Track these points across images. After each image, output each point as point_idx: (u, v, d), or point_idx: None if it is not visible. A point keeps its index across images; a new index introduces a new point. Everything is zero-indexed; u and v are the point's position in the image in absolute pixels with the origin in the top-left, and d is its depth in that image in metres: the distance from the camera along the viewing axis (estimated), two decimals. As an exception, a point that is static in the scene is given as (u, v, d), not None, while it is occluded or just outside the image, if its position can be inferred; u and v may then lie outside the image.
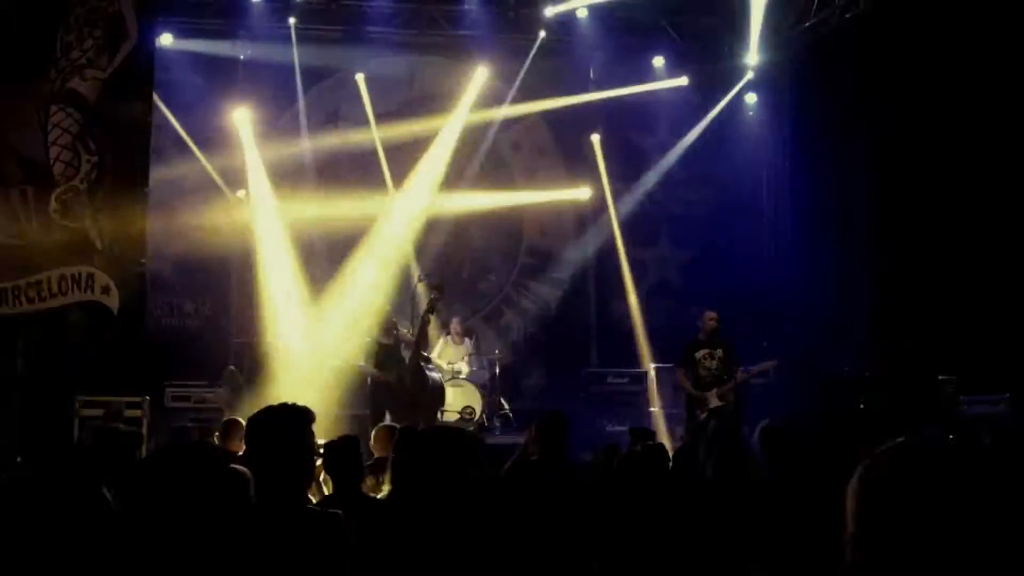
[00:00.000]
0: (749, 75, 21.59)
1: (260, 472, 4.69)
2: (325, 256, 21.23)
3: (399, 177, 21.71)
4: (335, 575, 4.36)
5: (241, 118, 20.53)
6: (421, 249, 21.75)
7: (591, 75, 21.89)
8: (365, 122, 21.48)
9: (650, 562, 5.79)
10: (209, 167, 20.48)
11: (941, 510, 2.06)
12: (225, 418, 16.31)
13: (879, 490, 2.11)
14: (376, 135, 21.36)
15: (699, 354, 16.08)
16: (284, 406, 5.00)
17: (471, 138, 21.86)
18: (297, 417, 4.92)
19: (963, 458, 2.15)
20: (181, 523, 4.13)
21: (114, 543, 3.19)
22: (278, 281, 20.56)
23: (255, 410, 4.97)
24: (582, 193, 22.10)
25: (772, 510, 6.70)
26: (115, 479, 5.15)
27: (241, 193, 20.81)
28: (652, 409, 19.34)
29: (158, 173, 16.43)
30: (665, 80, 21.85)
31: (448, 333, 20.21)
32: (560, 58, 21.46)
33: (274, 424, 4.85)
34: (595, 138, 21.98)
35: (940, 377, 17.34)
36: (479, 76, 21.51)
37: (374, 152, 21.53)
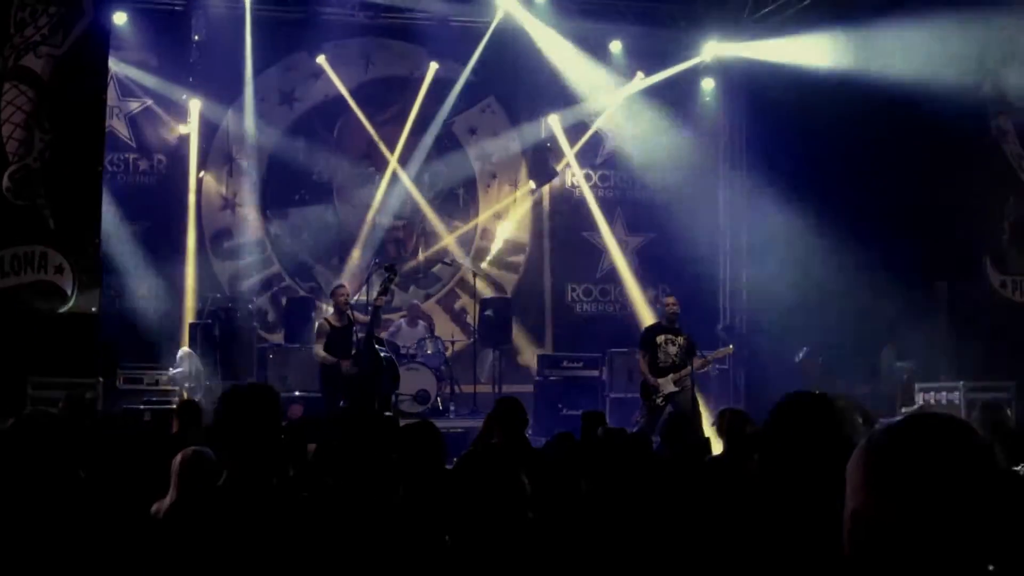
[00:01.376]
0: (704, 59, 21.64)
1: (229, 450, 4.65)
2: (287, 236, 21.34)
3: (357, 158, 21.70)
4: (298, 554, 4.30)
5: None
6: (375, 232, 21.72)
7: (548, 59, 21.81)
8: (319, 103, 21.43)
9: (625, 544, 5.76)
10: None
11: (959, 479, 1.99)
12: (180, 400, 16.27)
13: (890, 462, 2.03)
14: (355, 107, 21.42)
15: (660, 339, 16.04)
16: (251, 385, 4.96)
17: (426, 122, 21.81)
18: (264, 395, 4.87)
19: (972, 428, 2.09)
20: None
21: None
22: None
23: (210, 392, 4.94)
24: (531, 185, 22.19)
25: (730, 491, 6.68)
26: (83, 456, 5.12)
27: (202, 174, 20.75)
28: (607, 394, 19.35)
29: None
30: (621, 71, 21.89)
31: (402, 316, 20.18)
32: (517, 43, 21.37)
33: (243, 402, 4.79)
34: (553, 120, 21.93)
35: (898, 364, 17.47)
36: (432, 66, 21.54)
37: (331, 132, 21.55)
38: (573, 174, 22.42)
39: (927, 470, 1.98)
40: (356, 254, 21.54)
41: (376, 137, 21.71)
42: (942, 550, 1.94)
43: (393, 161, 21.76)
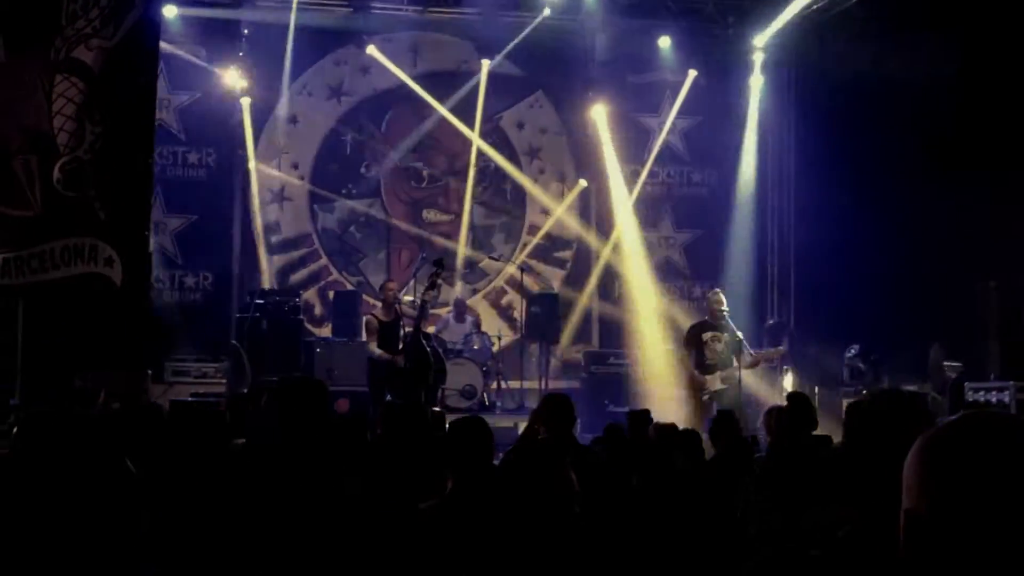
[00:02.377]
0: (756, 55, 21.55)
1: (287, 442, 4.66)
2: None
3: (404, 152, 21.78)
4: (347, 546, 4.30)
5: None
6: (423, 226, 21.76)
7: (595, 55, 21.77)
8: (368, 97, 21.47)
9: (672, 540, 5.75)
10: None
11: (1016, 479, 1.95)
12: (227, 393, 16.34)
13: (945, 461, 1.99)
14: (414, 86, 21.46)
15: (706, 336, 15.96)
16: (302, 378, 4.98)
17: (474, 116, 21.80)
18: (314, 388, 4.88)
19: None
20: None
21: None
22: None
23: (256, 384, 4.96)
24: (581, 182, 22.13)
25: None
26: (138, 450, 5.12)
27: (251, 168, 20.80)
28: (653, 390, 19.28)
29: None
30: (670, 67, 21.82)
31: (449, 311, 20.20)
32: (564, 37, 21.35)
33: (294, 394, 4.79)
34: (599, 115, 21.84)
35: (947, 363, 17.34)
36: (485, 63, 21.51)
37: (379, 126, 21.61)
38: (621, 170, 22.32)
39: (983, 469, 1.94)
40: (403, 249, 21.57)
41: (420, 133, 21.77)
42: (998, 552, 1.91)
43: (436, 156, 21.81)
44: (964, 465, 1.95)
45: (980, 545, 1.91)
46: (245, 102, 20.49)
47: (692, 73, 21.72)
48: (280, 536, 4.33)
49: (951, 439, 2.00)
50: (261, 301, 18.88)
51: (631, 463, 7.81)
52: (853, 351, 18.47)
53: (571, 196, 22.31)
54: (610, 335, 21.63)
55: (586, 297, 22.06)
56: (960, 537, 1.93)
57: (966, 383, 16.71)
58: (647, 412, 11.13)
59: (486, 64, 21.52)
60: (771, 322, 21.19)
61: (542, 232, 22.27)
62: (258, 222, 21.09)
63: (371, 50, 21.20)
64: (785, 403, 10.19)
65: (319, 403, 4.89)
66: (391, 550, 4.33)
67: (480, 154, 21.94)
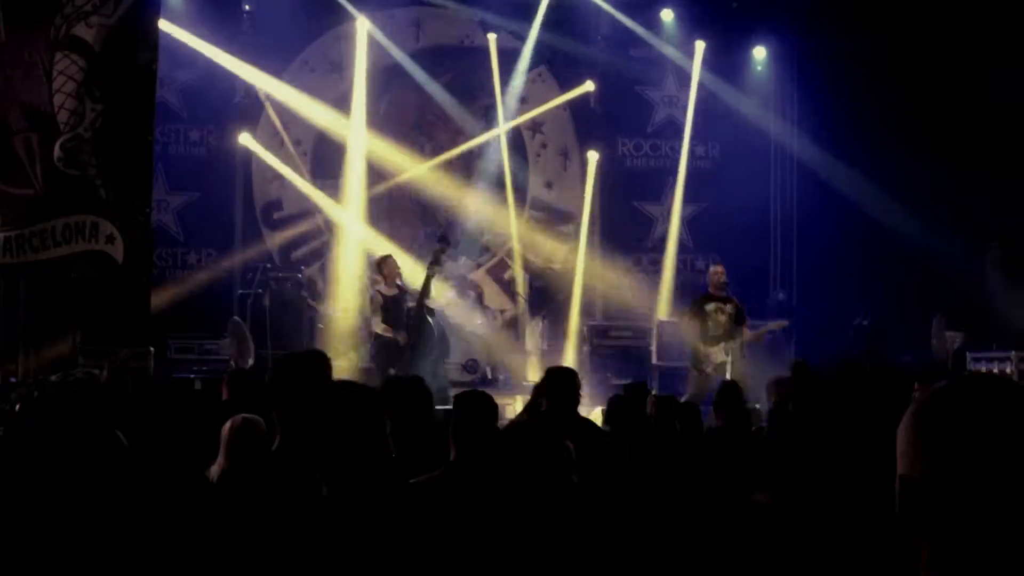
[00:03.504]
0: (759, 27, 21.49)
1: (284, 416, 4.67)
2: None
3: (407, 127, 21.75)
4: (348, 518, 4.31)
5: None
6: (425, 202, 21.74)
7: (598, 29, 21.74)
8: (369, 72, 21.40)
9: (669, 511, 5.76)
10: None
11: (1011, 442, 1.94)
12: (231, 369, 16.35)
13: (939, 424, 1.99)
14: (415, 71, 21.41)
15: (708, 308, 15.97)
16: (309, 351, 5.00)
17: (475, 91, 21.79)
18: (320, 361, 4.89)
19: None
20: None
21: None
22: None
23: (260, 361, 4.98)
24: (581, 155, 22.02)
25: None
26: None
27: (245, 136, 20.75)
28: (656, 363, 19.31)
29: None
30: (672, 41, 21.76)
31: (453, 286, 20.21)
32: (567, 11, 21.32)
33: (298, 367, 4.80)
34: (590, 89, 21.77)
35: (949, 332, 17.36)
36: (492, 37, 21.43)
37: (380, 102, 21.58)
38: (623, 143, 22.29)
39: (977, 433, 1.93)
40: (405, 225, 21.57)
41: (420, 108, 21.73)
42: (994, 515, 1.91)
43: (438, 131, 21.78)
44: (958, 429, 1.95)
45: (975, 509, 1.91)
46: (246, 78, 20.48)
47: (700, 44, 21.58)
48: (272, 515, 4.35)
49: (944, 403, 2.00)
50: (263, 278, 18.89)
51: (631, 435, 7.82)
52: (858, 320, 18.47)
53: (573, 170, 22.25)
54: (613, 309, 21.61)
55: (589, 270, 22.03)
56: (955, 502, 1.93)
57: (968, 352, 16.74)
58: (644, 384, 11.13)
59: (493, 37, 21.43)
60: (774, 294, 21.19)
61: (545, 206, 22.24)
62: (259, 199, 21.09)
63: (366, 28, 21.06)
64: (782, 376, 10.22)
65: (324, 376, 4.90)
66: (388, 524, 4.35)
67: (482, 128, 21.90)
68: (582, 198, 22.24)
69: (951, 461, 1.94)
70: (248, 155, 20.98)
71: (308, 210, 21.43)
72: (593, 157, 21.84)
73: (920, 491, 1.97)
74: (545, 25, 21.26)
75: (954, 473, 1.93)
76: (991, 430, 1.93)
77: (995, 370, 15.81)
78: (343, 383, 4.69)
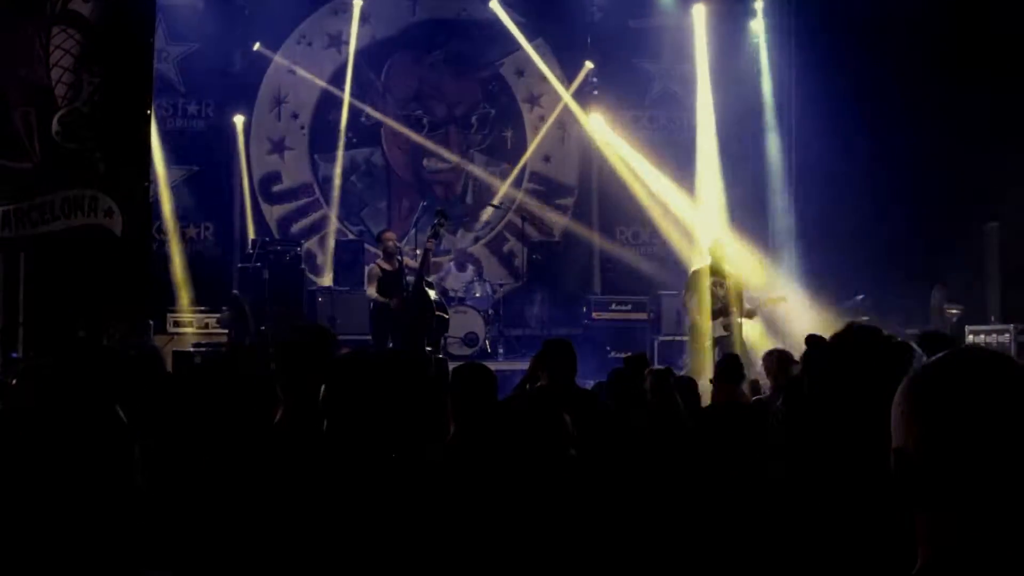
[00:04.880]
0: (758, 2, 21.45)
1: (288, 390, 4.68)
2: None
3: (405, 101, 21.75)
4: (350, 491, 4.32)
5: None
6: (423, 174, 21.75)
7: (596, 0, 21.72)
8: (367, 46, 21.39)
9: (667, 483, 5.78)
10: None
11: (1005, 415, 1.94)
12: (229, 343, 16.38)
13: (934, 398, 2.00)
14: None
15: (708, 281, 15.99)
16: (313, 325, 5.02)
17: (473, 64, 21.78)
18: (323, 336, 4.90)
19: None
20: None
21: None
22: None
23: (260, 334, 4.99)
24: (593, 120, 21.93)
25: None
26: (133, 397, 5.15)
27: (238, 119, 20.77)
28: (656, 337, 19.32)
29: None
30: (670, 11, 21.65)
31: (451, 259, 20.23)
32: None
33: (304, 343, 4.82)
34: (599, 60, 21.72)
35: (947, 305, 17.37)
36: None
37: (379, 75, 21.56)
38: (621, 115, 22.27)
39: (970, 406, 1.94)
40: (404, 198, 21.59)
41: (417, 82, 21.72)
42: (987, 487, 1.92)
43: (436, 104, 21.79)
44: (951, 402, 1.95)
45: (968, 482, 1.92)
46: (243, 51, 20.48)
47: (701, 8, 21.40)
48: (278, 487, 4.36)
49: (938, 376, 2.01)
50: (263, 251, 18.89)
51: (631, 408, 7.84)
52: (859, 299, 18.45)
53: (571, 142, 22.22)
54: (612, 281, 21.63)
55: (587, 243, 22.05)
56: (949, 474, 1.94)
57: (967, 326, 16.76)
58: (644, 356, 11.12)
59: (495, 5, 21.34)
60: (772, 269, 21.19)
61: (543, 179, 22.24)
62: (258, 172, 21.11)
63: (357, 3, 21.02)
64: (783, 347, 10.22)
65: (329, 351, 4.92)
66: (394, 497, 4.36)
67: (479, 102, 21.93)
68: (579, 171, 22.24)
69: (945, 433, 1.95)
70: (247, 128, 20.96)
71: (306, 183, 21.43)
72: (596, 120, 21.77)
73: (915, 464, 1.98)
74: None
75: (947, 445, 1.94)
76: (983, 403, 1.94)
77: (994, 343, 15.85)
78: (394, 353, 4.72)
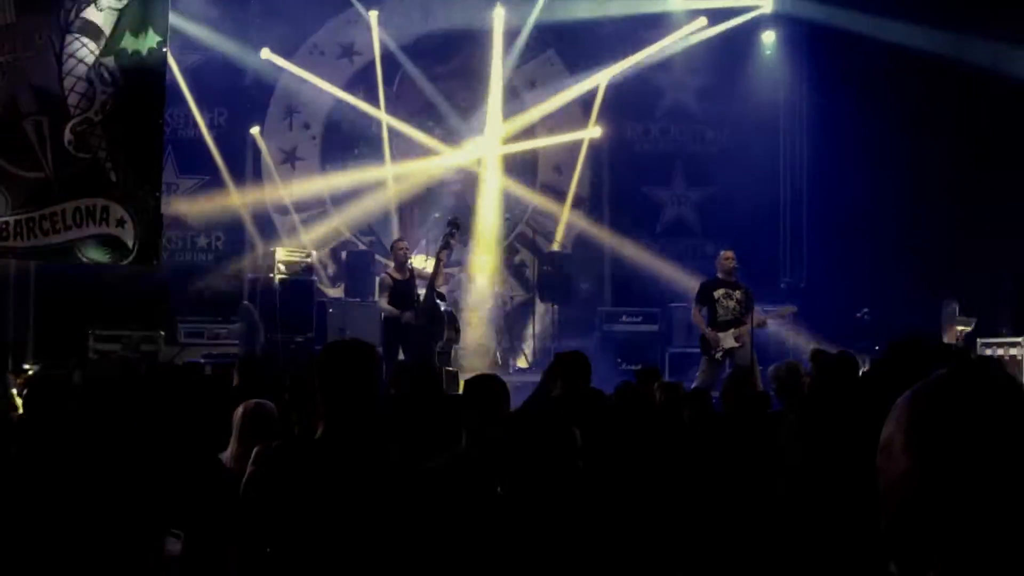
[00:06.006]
0: (765, 10, 21.42)
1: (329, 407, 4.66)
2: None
3: (416, 112, 21.75)
4: (368, 504, 4.32)
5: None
6: (434, 186, 21.75)
7: (608, 12, 21.69)
8: (380, 57, 21.43)
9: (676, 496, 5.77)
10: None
11: (1003, 442, 1.91)
12: (240, 353, 16.37)
13: (941, 417, 1.96)
14: (409, 65, 21.45)
15: (717, 293, 15.96)
16: (355, 341, 4.98)
17: (485, 75, 21.77)
18: (368, 354, 4.86)
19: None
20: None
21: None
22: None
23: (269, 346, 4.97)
24: (594, 132, 21.91)
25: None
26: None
27: (255, 130, 20.81)
28: (667, 349, 19.31)
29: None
30: (681, 25, 21.67)
31: (463, 270, 20.21)
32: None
33: (347, 360, 4.78)
34: (612, 72, 21.73)
35: (959, 318, 17.33)
36: (496, 19, 21.34)
37: (390, 86, 21.58)
38: (631, 127, 22.27)
39: (967, 431, 1.90)
40: (416, 208, 21.59)
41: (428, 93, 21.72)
42: (982, 516, 1.88)
43: (449, 115, 21.78)
44: (948, 426, 1.92)
45: (963, 509, 1.88)
46: (255, 62, 20.52)
47: (702, 20, 21.46)
48: (283, 495, 4.36)
49: (935, 398, 1.97)
50: (273, 262, 18.91)
51: (640, 420, 7.83)
52: (864, 312, 18.41)
53: (583, 154, 22.22)
54: (623, 293, 21.61)
55: (598, 255, 22.05)
56: (943, 499, 1.90)
57: (979, 339, 16.72)
58: (656, 369, 11.11)
59: (500, 14, 21.35)
60: (782, 282, 21.17)
61: (553, 191, 22.23)
62: (269, 183, 21.14)
63: (372, 15, 21.06)
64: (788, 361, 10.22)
65: (372, 369, 4.89)
66: (400, 508, 4.36)
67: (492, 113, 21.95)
68: (590, 182, 22.24)
69: (939, 457, 1.91)
70: (258, 138, 21.00)
71: (318, 193, 21.44)
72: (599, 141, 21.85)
73: (911, 492, 1.94)
74: (552, 8, 21.21)
75: (942, 469, 1.90)
76: (978, 429, 1.90)
77: (1006, 356, 15.79)
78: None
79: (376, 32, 21.05)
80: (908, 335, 4.25)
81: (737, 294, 15.88)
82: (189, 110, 20.62)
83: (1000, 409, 1.92)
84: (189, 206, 20.32)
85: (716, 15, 21.45)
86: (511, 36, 21.57)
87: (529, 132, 22.14)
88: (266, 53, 20.50)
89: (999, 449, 1.88)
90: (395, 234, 20.06)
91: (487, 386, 6.52)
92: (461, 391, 6.86)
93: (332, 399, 4.55)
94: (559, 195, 22.29)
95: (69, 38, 13.99)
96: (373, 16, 20.99)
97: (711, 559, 5.43)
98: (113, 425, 3.31)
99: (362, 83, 21.55)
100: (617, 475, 6.23)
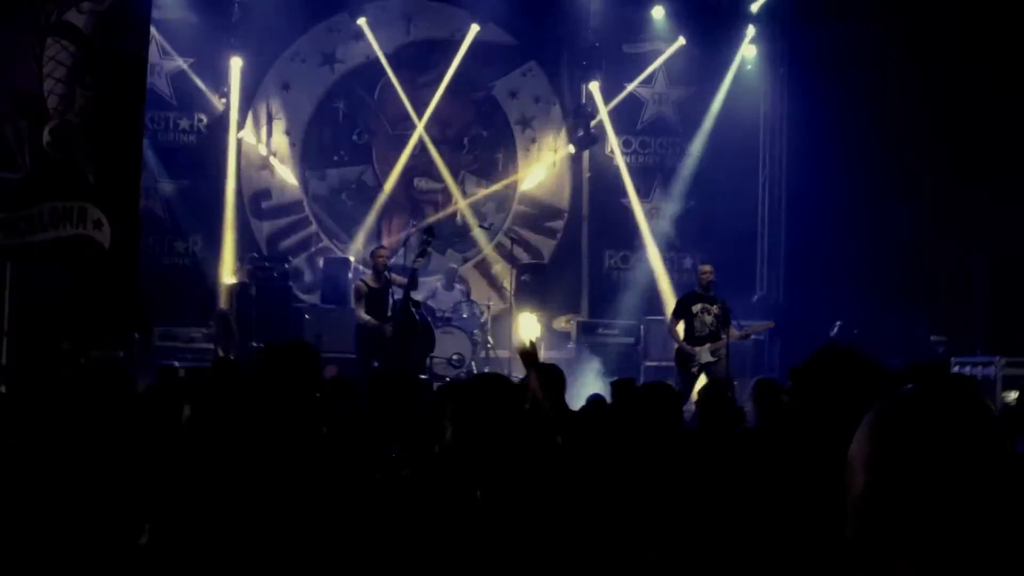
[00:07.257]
0: (749, 27, 21.53)
1: (268, 406, 4.66)
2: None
3: (396, 120, 21.76)
4: (334, 508, 4.32)
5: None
6: (413, 194, 21.76)
7: (589, 24, 21.72)
8: (360, 65, 21.45)
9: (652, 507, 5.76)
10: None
11: (974, 451, 1.93)
12: (215, 358, 16.34)
13: (902, 434, 1.97)
14: (392, 76, 21.43)
15: (695, 308, 15.98)
16: (292, 342, 4.99)
17: (465, 85, 21.80)
18: (304, 353, 4.88)
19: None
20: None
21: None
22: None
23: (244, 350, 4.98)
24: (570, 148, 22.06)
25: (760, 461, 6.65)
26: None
27: (235, 135, 20.79)
28: (644, 361, 19.33)
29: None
30: (663, 37, 21.78)
31: (439, 279, 20.20)
32: (558, 5, 21.36)
33: (284, 359, 4.80)
34: (594, 86, 21.82)
35: (933, 337, 17.39)
36: (473, 28, 21.39)
37: (371, 94, 21.60)
38: (612, 140, 22.31)
39: (931, 449, 1.92)
40: (394, 216, 21.60)
41: (410, 102, 21.72)
42: (944, 533, 1.89)
43: (428, 124, 21.81)
44: (912, 444, 1.93)
45: (926, 525, 1.89)
46: (235, 67, 20.52)
47: (680, 40, 21.64)
48: (262, 501, 4.35)
49: (900, 416, 1.98)
50: (251, 267, 18.90)
51: (610, 431, 7.81)
52: (836, 327, 18.46)
53: (563, 166, 22.27)
54: (600, 305, 21.63)
55: (576, 267, 22.08)
56: (906, 516, 1.91)
57: (953, 357, 16.74)
58: (632, 381, 11.10)
59: (475, 28, 21.40)
60: (760, 295, 21.23)
61: (534, 203, 22.26)
62: (248, 189, 21.12)
63: (361, 22, 21.15)
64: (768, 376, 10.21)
65: (309, 368, 4.90)
66: (374, 516, 4.36)
67: (471, 123, 21.97)
68: (570, 194, 22.27)
69: (903, 475, 1.92)
70: (238, 144, 20.98)
71: (296, 200, 21.45)
72: (579, 152, 21.92)
73: (872, 503, 1.95)
74: (536, 20, 21.27)
75: (905, 487, 1.91)
76: (942, 446, 1.91)
77: (979, 375, 15.79)
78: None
79: (371, 36, 21.11)
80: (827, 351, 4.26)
81: (715, 309, 15.90)
82: (169, 114, 20.63)
83: (956, 428, 1.94)
84: (168, 210, 20.32)
85: (697, 30, 21.52)
86: (492, 47, 21.60)
87: (510, 144, 22.18)
88: (238, 64, 20.53)
89: (950, 466, 1.90)
90: (364, 243, 20.15)
91: (492, 385, 6.51)
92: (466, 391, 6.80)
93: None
94: (538, 206, 22.30)
95: (49, 40, 13.92)
96: (363, 22, 21.07)
97: (681, 569, 5.43)
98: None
99: (343, 90, 21.58)
100: (593, 486, 6.23)
